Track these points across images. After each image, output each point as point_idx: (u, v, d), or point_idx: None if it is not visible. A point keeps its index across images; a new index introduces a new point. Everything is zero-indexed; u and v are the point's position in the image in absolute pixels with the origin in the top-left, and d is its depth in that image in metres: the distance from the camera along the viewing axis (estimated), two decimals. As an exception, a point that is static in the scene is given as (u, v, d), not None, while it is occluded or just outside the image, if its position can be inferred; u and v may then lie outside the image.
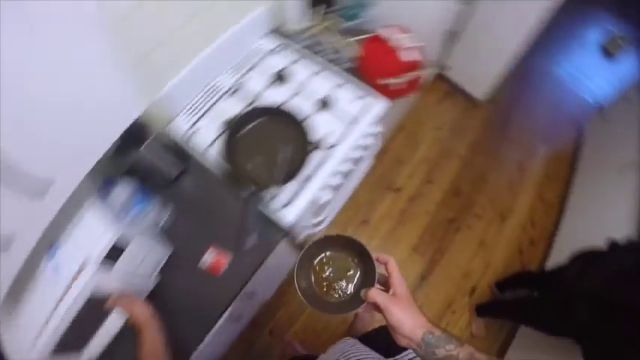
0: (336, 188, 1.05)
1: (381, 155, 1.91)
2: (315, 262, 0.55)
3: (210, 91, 1.03)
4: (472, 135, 2.13)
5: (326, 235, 0.53)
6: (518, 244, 1.98)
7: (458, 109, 2.17)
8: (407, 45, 1.06)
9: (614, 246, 1.16)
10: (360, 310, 0.49)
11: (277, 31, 1.15)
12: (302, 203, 0.88)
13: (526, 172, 2.17)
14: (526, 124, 2.33)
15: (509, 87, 2.37)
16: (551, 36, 2.87)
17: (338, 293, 0.54)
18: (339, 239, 0.54)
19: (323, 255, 0.55)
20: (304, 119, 0.94)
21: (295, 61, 1.09)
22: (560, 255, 1.81)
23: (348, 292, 0.54)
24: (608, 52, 3.01)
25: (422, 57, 1.11)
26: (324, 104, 1.01)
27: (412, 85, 1.17)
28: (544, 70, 2.67)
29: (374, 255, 0.51)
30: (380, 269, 0.51)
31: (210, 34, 0.95)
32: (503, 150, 2.17)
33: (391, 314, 0.47)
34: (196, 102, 1.01)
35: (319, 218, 1.09)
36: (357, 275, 0.54)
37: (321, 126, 0.96)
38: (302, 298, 0.50)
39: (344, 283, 0.54)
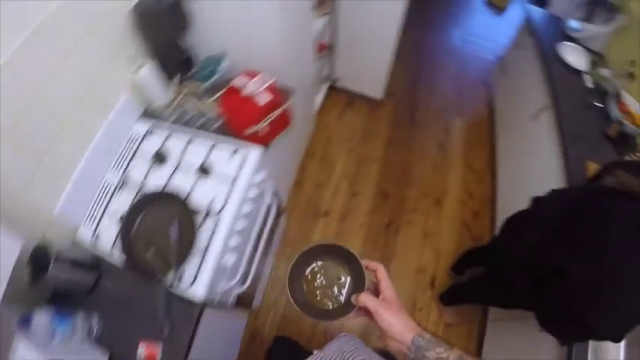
0: (238, 248, 1.06)
1: (298, 188, 1.92)
2: (306, 272, 0.57)
3: (101, 192, 1.05)
4: (383, 135, 2.16)
5: (316, 244, 0.55)
6: (462, 220, 1.98)
7: (362, 114, 2.21)
8: (259, 88, 1.08)
9: (536, 203, 1.14)
10: (352, 314, 0.51)
11: (147, 113, 1.17)
12: (207, 275, 0.91)
13: (448, 150, 2.20)
14: (433, 104, 2.37)
15: (404, 75, 2.44)
16: (435, 11, 2.98)
17: (331, 300, 0.55)
18: (328, 248, 0.56)
19: (314, 264, 0.57)
20: (187, 195, 0.98)
21: (168, 138, 1.12)
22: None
23: (341, 299, 0.55)
24: (495, 6, 3.12)
25: (279, 92, 1.13)
26: (204, 171, 1.04)
27: (281, 122, 1.19)
28: (439, 46, 2.76)
29: (363, 262, 0.53)
30: (370, 276, 0.53)
31: (84, 138, 0.97)
32: (417, 137, 2.20)
33: (381, 318, 0.49)
34: (92, 207, 1.03)
35: (236, 279, 1.10)
36: (348, 282, 0.56)
37: (205, 194, 1.00)
38: (296, 307, 0.51)
39: (336, 291, 0.56)
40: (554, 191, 1.11)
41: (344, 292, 0.55)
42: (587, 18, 1.77)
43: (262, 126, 1.10)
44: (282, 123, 1.22)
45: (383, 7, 1.61)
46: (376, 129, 2.17)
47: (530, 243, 1.02)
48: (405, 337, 0.48)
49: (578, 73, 1.66)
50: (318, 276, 0.57)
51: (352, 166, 2.02)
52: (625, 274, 0.71)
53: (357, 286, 0.53)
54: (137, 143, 1.12)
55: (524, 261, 1.03)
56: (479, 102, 2.42)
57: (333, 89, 2.22)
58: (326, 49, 1.92)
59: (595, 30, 1.70)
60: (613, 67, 1.64)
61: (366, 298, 0.50)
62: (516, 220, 1.19)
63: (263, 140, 1.12)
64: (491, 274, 1.43)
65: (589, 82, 1.64)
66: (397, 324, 0.49)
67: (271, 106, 1.11)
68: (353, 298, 0.51)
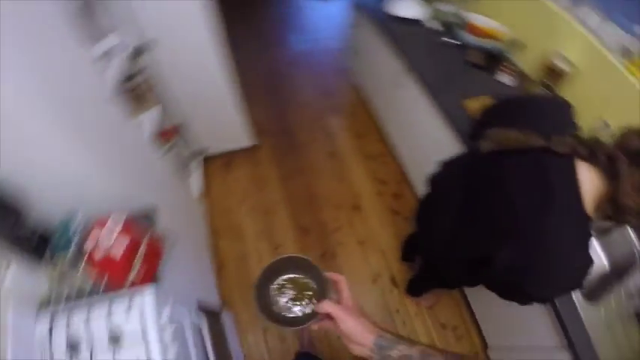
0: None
1: (224, 273, 1.76)
2: (275, 284, 0.59)
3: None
4: (273, 175, 2.07)
5: (279, 257, 0.57)
6: (388, 209, 1.94)
7: (244, 168, 2.10)
8: (112, 238, 0.99)
9: (432, 184, 1.07)
10: (316, 321, 0.53)
11: (43, 306, 1.04)
12: None
13: (340, 153, 2.17)
14: (306, 118, 2.34)
15: (265, 107, 2.38)
16: (263, 30, 2.97)
17: (300, 310, 0.57)
18: (292, 260, 0.58)
19: (283, 277, 0.60)
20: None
21: (68, 324, 1.01)
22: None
23: (307, 310, 0.57)
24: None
25: (135, 228, 1.03)
26: (115, 341, 0.96)
27: (152, 254, 1.08)
28: (284, 59, 2.74)
29: (327, 274, 0.56)
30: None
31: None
32: (306, 158, 2.14)
33: (342, 322, 0.51)
34: None
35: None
36: (314, 293, 0.58)
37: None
38: (263, 318, 0.53)
39: (304, 302, 0.58)
40: (444, 165, 1.04)
41: (310, 303, 0.58)
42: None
43: (134, 273, 0.99)
44: (153, 254, 1.10)
45: (202, 59, 1.52)
46: (264, 174, 2.07)
47: (443, 229, 0.95)
48: (366, 339, 0.50)
49: (417, 22, 1.65)
50: (285, 288, 0.60)
51: (261, 222, 1.90)
52: (547, 236, 0.63)
53: (321, 296, 0.56)
54: (46, 343, 1.00)
55: (446, 253, 0.97)
56: (347, 92, 2.44)
57: (207, 160, 2.09)
58: (176, 132, 1.79)
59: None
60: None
61: (327, 305, 0.52)
62: (423, 208, 1.13)
63: (147, 279, 1.01)
64: (429, 264, 1.39)
65: (435, 25, 1.63)
66: (357, 328, 0.51)
67: (132, 250, 1.00)
68: (315, 306, 0.54)
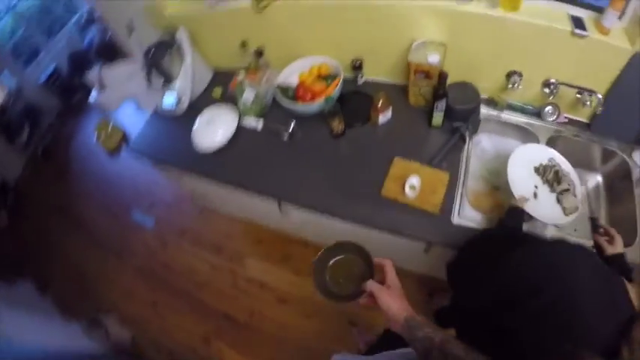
0: None
1: None
2: (330, 264, 0.73)
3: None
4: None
5: (336, 242, 0.73)
6: (281, 259, 1.93)
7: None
8: None
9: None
10: (363, 298, 0.65)
11: None
12: None
13: (222, 249, 2.12)
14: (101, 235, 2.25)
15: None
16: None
17: (349, 287, 0.70)
18: (346, 245, 0.73)
19: (337, 258, 0.74)
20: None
21: None
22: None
23: (355, 287, 0.69)
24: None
25: None
26: None
27: None
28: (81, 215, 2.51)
29: (375, 259, 0.69)
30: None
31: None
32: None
33: (381, 300, 0.61)
34: None
35: None
36: (363, 273, 0.69)
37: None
38: (320, 293, 0.69)
39: (353, 279, 0.70)
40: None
41: (358, 281, 0.67)
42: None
43: None
44: None
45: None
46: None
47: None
48: (399, 316, 0.59)
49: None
50: (340, 268, 0.72)
51: None
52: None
53: (369, 276, 0.67)
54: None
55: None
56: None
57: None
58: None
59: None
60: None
61: (371, 284, 0.64)
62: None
63: None
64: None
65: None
66: (393, 306, 0.60)
67: None
68: (362, 285, 0.65)
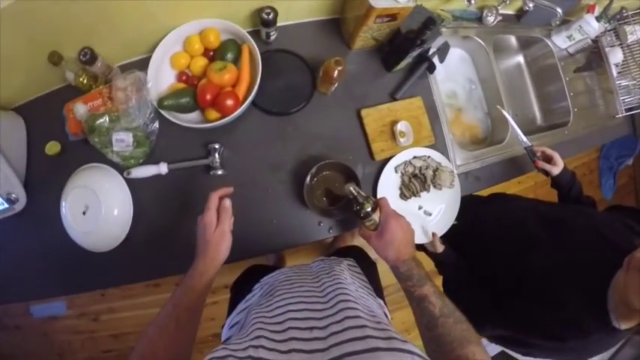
0: None
1: None
2: (317, 179, 0.86)
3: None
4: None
5: (325, 161, 0.83)
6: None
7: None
8: None
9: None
10: (361, 230, 0.70)
11: None
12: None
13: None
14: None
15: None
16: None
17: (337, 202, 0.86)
18: (334, 165, 0.85)
19: (322, 174, 0.87)
20: None
21: None
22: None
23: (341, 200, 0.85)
24: None
25: None
26: None
27: None
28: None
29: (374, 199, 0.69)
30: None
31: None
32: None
33: (373, 248, 0.66)
34: None
35: None
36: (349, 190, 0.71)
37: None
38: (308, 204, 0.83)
39: (337, 193, 0.87)
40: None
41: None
42: None
43: None
44: None
45: None
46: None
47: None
48: (411, 247, 0.64)
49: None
50: (322, 181, 0.89)
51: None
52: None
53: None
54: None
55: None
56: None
57: None
58: None
59: None
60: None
61: (363, 232, 0.69)
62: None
63: None
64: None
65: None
66: (389, 254, 0.63)
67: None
68: (358, 232, 0.72)
